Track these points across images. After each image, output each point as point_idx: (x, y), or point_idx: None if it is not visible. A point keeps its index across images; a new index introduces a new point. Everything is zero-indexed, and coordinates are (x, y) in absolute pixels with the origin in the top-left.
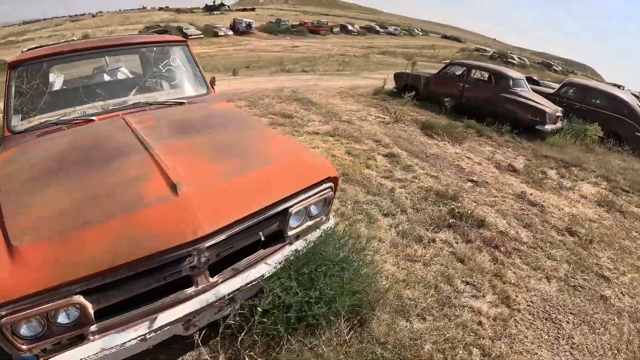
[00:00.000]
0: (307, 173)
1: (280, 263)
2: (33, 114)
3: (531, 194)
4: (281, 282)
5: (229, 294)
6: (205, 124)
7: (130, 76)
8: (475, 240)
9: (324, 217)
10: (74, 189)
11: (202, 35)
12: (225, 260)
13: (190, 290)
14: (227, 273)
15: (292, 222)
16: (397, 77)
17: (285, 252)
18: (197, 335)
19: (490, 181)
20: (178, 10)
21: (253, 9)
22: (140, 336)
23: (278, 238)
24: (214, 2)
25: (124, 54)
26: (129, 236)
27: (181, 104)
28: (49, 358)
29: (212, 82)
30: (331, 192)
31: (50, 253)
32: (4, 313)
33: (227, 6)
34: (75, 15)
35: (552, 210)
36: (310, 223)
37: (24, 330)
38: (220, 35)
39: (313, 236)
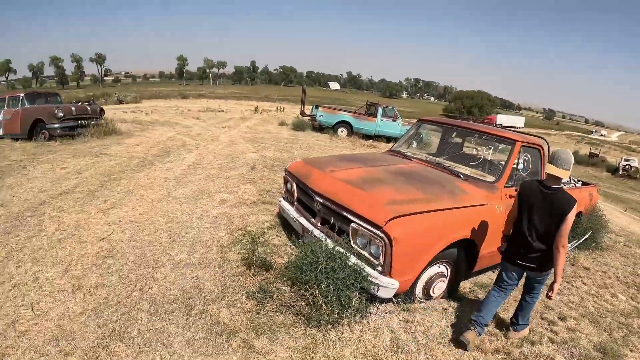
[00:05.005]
0: (371, 209)
1: (331, 248)
2: (404, 146)
3: None
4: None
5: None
6: (422, 179)
7: (463, 151)
8: None
9: (380, 268)
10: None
11: None
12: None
13: (312, 220)
14: (320, 227)
15: (358, 239)
16: None
17: (343, 250)
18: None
19: None
20: None
21: None
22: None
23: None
24: None
25: (479, 138)
26: None
27: (457, 175)
28: None
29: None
30: (380, 243)
31: None
32: None
33: None
34: None
35: None
36: (366, 255)
37: None
38: None
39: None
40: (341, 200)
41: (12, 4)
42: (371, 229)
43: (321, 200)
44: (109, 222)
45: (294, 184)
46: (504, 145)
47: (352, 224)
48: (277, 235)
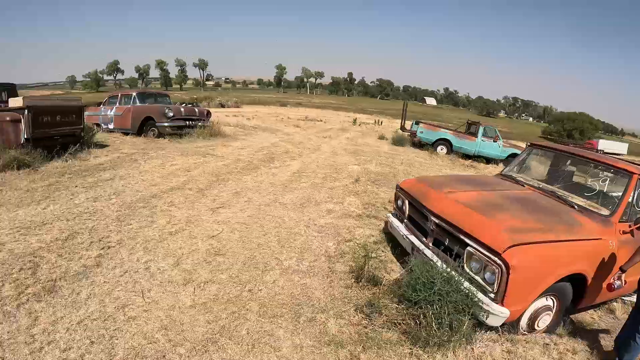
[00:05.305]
0: (491, 234)
1: (445, 271)
2: (514, 170)
3: None
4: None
5: (417, 249)
6: (537, 207)
7: (574, 180)
8: None
9: (492, 295)
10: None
11: None
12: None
13: (423, 239)
14: (432, 247)
15: (472, 264)
16: None
17: (452, 270)
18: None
19: None
20: None
21: None
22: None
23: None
24: None
25: (593, 168)
26: None
27: (572, 206)
28: None
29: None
30: (496, 269)
31: None
32: None
33: None
34: None
35: None
36: (479, 280)
37: None
38: None
39: (475, 295)
40: (459, 222)
41: (129, 9)
42: (489, 254)
43: (436, 221)
44: (219, 221)
45: (406, 201)
46: (619, 177)
47: (468, 248)
48: (382, 251)
